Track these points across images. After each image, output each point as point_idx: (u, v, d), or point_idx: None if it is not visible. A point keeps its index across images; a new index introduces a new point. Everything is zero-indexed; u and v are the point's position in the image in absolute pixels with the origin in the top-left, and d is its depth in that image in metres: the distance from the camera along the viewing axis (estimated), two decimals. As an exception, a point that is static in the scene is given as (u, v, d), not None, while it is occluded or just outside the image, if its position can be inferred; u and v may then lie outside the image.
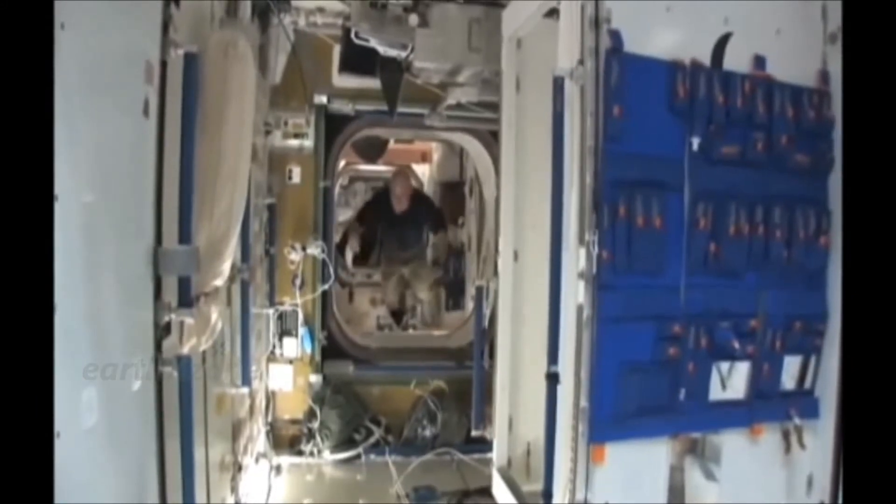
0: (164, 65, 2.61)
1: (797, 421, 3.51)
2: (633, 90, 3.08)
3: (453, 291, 9.40)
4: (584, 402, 3.09)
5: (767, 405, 3.49)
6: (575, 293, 3.11)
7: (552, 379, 3.31)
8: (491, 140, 6.26)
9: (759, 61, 3.42)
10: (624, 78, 3.05)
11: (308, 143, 6.02)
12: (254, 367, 4.83)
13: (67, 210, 1.82)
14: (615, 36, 3.06)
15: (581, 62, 3.07)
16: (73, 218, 1.89)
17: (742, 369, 3.43)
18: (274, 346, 6.01)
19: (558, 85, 3.16)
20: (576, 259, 3.10)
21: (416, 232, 8.79)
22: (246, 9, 4.22)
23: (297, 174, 6.22)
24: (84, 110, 1.96)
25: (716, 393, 3.38)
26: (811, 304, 3.59)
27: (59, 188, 1.75)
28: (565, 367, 3.23)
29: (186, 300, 2.75)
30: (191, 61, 2.74)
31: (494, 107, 5.01)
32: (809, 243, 3.50)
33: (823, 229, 3.53)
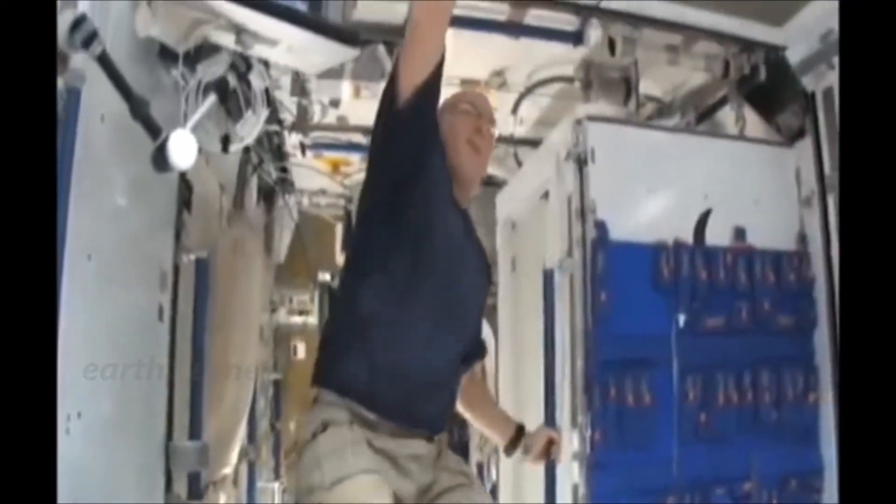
0: (176, 268, 2.77)
1: (802, 581, 3.46)
2: (619, 275, 3.24)
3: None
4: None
5: (769, 568, 3.46)
6: (570, 474, 3.17)
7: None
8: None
9: (740, 233, 3.59)
10: (610, 265, 3.22)
11: (312, 319, 6.15)
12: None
13: (88, 426, 1.91)
14: (600, 227, 3.24)
15: (569, 253, 3.24)
16: (94, 432, 1.97)
17: (740, 534, 3.42)
18: (280, 522, 5.92)
19: (548, 278, 3.32)
20: (569, 441, 3.17)
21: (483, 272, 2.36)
22: (252, 196, 4.40)
23: (301, 350, 6.27)
24: (107, 323, 2.09)
25: (715, 561, 3.37)
26: (805, 460, 3.60)
27: (81, 406, 1.86)
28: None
29: (196, 493, 2.84)
30: (202, 267, 2.90)
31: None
32: (798, 401, 3.55)
33: (811, 386, 3.59)
